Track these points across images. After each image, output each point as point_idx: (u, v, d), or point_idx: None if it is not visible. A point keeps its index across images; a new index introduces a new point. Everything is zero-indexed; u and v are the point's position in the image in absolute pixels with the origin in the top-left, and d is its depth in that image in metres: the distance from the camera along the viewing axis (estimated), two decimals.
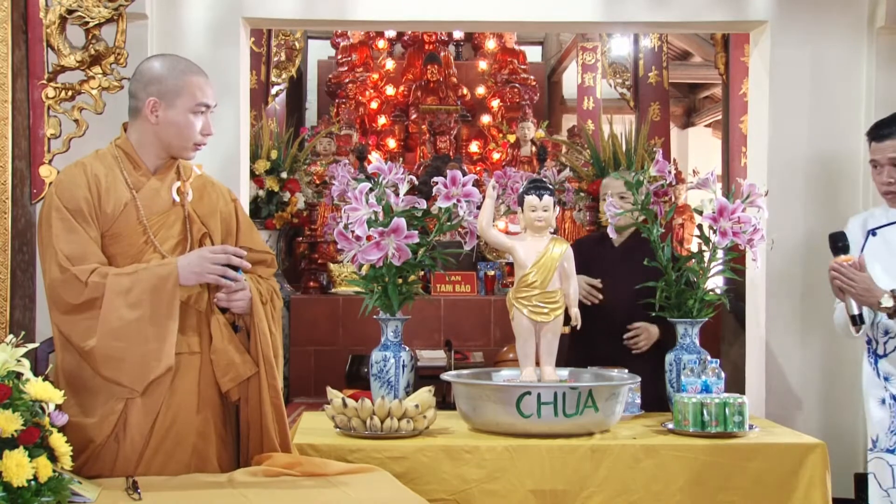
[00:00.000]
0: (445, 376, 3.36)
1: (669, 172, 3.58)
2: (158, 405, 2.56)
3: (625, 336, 3.85)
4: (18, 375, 2.20)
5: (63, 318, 2.53)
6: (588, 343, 3.81)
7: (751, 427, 3.25)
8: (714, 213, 3.40)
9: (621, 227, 3.87)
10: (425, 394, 3.24)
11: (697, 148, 14.05)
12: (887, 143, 3.19)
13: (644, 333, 3.86)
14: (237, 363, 2.65)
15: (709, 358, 3.45)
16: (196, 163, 2.84)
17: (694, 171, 8.76)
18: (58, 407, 2.21)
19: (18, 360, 2.21)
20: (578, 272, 3.42)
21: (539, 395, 3.07)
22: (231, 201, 2.85)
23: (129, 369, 2.49)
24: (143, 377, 2.51)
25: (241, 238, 2.81)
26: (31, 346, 2.28)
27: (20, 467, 2.04)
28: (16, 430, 2.07)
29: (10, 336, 2.30)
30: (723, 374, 3.35)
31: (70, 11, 3.25)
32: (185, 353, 2.60)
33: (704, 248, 3.51)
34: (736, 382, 4.69)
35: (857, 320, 3.14)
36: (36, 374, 2.25)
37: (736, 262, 3.57)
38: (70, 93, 3.30)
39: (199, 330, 2.65)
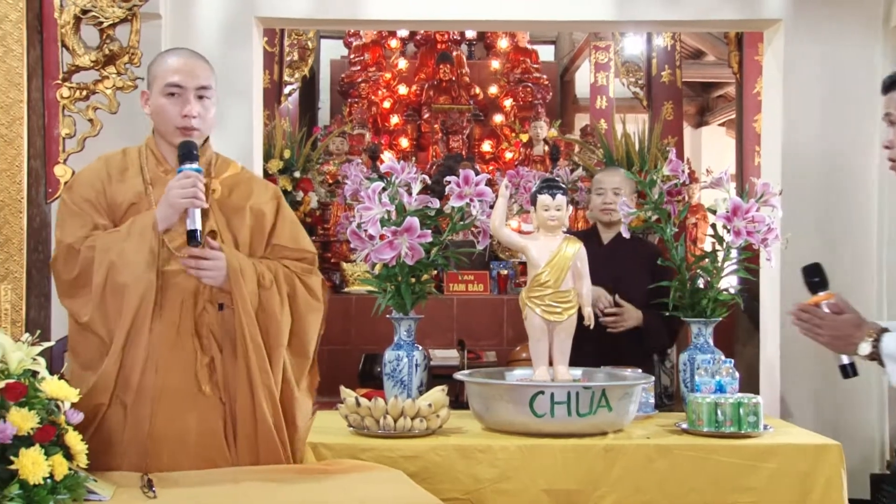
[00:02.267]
0: (458, 375, 3.36)
1: (683, 172, 3.57)
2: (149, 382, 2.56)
3: (604, 316, 3.80)
4: (34, 374, 2.21)
5: (66, 301, 2.63)
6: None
7: (765, 427, 3.24)
8: (728, 212, 3.39)
9: (612, 224, 4.02)
10: (438, 393, 3.24)
11: (711, 147, 14.01)
12: (891, 94, 2.52)
13: (624, 314, 3.87)
14: None
15: (723, 358, 3.45)
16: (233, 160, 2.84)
17: (707, 171, 8.73)
18: (73, 405, 2.22)
19: (34, 359, 2.23)
20: None
21: (552, 395, 3.07)
22: (273, 199, 2.81)
23: (127, 300, 2.52)
24: (140, 301, 2.53)
25: (275, 235, 2.77)
26: (46, 344, 2.29)
27: (36, 465, 2.05)
28: (32, 429, 2.08)
29: (26, 335, 2.32)
30: (737, 374, 3.34)
31: (84, 11, 3.27)
32: (182, 350, 2.58)
33: (718, 247, 3.50)
34: (750, 383, 4.68)
35: (848, 371, 2.57)
36: (51, 373, 2.26)
37: (750, 261, 3.56)
38: (84, 92, 3.32)
39: (199, 333, 2.61)
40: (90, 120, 3.32)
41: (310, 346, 2.75)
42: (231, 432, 2.62)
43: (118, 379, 2.53)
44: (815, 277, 2.65)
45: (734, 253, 3.48)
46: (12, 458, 2.03)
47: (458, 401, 4.88)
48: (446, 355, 6.12)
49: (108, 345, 2.54)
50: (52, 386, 2.20)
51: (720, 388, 3.29)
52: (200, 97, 2.69)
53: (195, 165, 2.59)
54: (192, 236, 2.54)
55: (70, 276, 2.59)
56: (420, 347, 3.50)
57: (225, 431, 2.61)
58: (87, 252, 2.57)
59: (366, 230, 3.35)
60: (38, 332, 2.52)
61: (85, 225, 2.62)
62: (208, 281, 2.59)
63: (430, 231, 3.36)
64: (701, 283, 3.53)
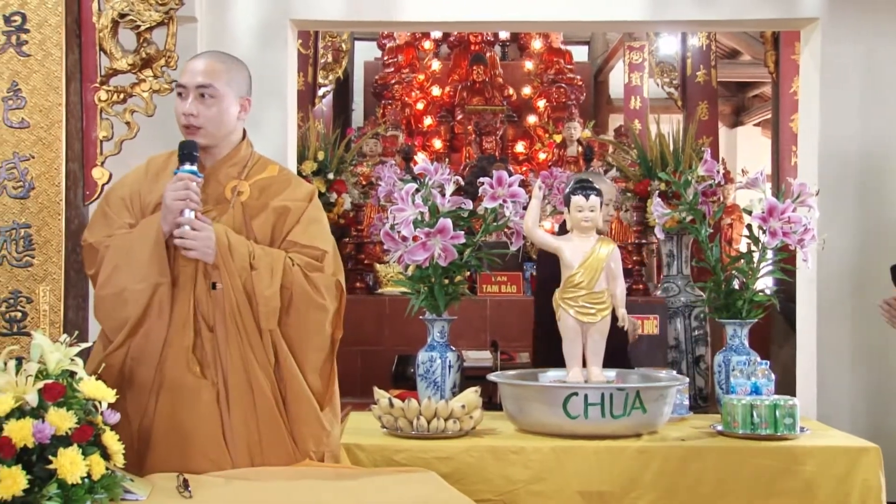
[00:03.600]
0: (492, 377, 3.36)
1: (717, 172, 3.55)
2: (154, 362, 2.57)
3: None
4: (72, 374, 2.24)
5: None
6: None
7: (802, 429, 3.21)
8: (763, 212, 3.36)
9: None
10: (471, 394, 3.24)
11: (746, 147, 13.90)
12: None
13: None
14: None
15: (758, 359, 3.42)
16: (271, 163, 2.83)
17: (743, 171, 8.66)
18: (110, 406, 2.25)
19: (72, 360, 2.25)
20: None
21: (586, 396, 3.05)
22: (303, 200, 2.76)
23: (131, 298, 2.55)
24: (147, 300, 2.56)
25: (292, 232, 2.71)
26: (84, 345, 2.32)
27: (74, 465, 2.07)
28: (70, 429, 2.10)
29: (64, 335, 2.34)
30: (773, 376, 3.31)
31: (122, 15, 3.30)
32: (183, 342, 2.57)
33: (754, 248, 3.47)
34: (786, 384, 4.63)
35: None
36: (89, 373, 2.29)
37: (786, 262, 3.53)
38: (122, 95, 3.35)
39: (195, 319, 2.59)
40: (127, 123, 3.35)
41: (304, 342, 2.64)
42: (227, 422, 2.56)
43: (122, 373, 2.55)
44: None
45: (770, 254, 3.45)
46: (51, 457, 2.05)
47: (491, 402, 4.88)
48: (479, 356, 6.11)
49: (109, 339, 2.59)
50: (89, 386, 2.22)
51: (756, 390, 3.26)
52: (202, 95, 2.66)
53: (191, 167, 2.58)
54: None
55: (89, 273, 2.69)
56: (453, 348, 3.50)
57: (223, 425, 2.57)
58: (104, 251, 2.63)
59: (399, 231, 3.36)
60: (76, 332, 2.54)
61: (111, 225, 2.67)
62: (196, 255, 2.55)
63: (463, 232, 3.36)
64: (736, 284, 3.50)
